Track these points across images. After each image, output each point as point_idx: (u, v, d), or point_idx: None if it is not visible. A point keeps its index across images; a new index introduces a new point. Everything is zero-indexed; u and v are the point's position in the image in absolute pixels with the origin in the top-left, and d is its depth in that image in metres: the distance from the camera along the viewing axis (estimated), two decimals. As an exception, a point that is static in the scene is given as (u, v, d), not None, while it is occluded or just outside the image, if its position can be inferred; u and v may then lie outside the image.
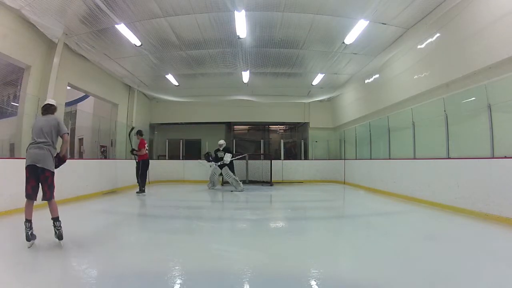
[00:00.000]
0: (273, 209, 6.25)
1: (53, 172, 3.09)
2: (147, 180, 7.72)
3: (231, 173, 8.24)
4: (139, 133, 7.67)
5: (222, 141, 8.81)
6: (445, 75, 5.59)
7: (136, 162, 7.34)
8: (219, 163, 8.27)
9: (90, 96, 10.24)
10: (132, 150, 7.43)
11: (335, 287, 2.12)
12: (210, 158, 8.72)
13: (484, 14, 4.54)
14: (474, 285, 2.06)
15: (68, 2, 5.24)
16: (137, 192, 7.29)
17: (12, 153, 7.46)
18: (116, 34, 6.47)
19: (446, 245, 3.10)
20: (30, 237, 2.85)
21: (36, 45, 6.17)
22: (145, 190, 7.37)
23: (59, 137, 3.17)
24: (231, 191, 8.13)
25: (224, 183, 9.84)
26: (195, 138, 13.03)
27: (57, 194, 5.73)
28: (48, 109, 3.24)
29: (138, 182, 7.34)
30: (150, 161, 10.80)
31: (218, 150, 8.63)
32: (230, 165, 8.39)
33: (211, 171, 8.67)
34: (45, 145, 3.00)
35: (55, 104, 3.34)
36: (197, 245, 3.18)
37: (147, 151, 7.54)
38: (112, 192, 7.64)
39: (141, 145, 7.39)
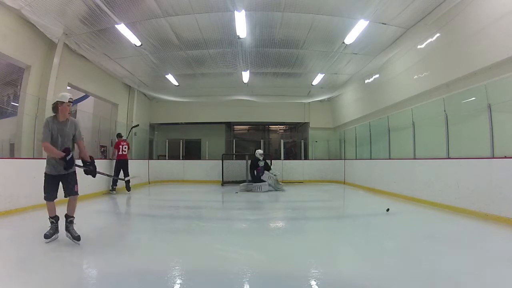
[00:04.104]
0: (273, 209, 6.25)
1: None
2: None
3: (273, 176, 8.45)
4: (118, 135, 8.09)
5: (261, 151, 9.03)
6: (445, 75, 5.59)
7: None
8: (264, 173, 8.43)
9: (90, 96, 10.25)
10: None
11: (335, 287, 2.12)
12: (257, 172, 8.66)
13: (484, 14, 4.54)
14: (474, 285, 2.06)
15: (68, 2, 5.24)
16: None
17: (12, 153, 7.47)
18: (116, 34, 6.47)
19: (446, 245, 3.10)
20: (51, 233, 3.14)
21: (36, 45, 6.18)
22: (115, 189, 7.53)
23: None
24: (237, 191, 8.12)
25: (225, 183, 9.85)
26: (195, 138, 13.04)
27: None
28: (52, 108, 3.18)
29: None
30: (151, 161, 10.94)
31: (258, 160, 8.78)
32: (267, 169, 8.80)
33: (258, 185, 8.39)
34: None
35: (71, 98, 3.19)
36: (197, 245, 3.18)
37: (124, 152, 7.82)
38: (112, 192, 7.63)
39: (115, 146, 7.82)
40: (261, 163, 8.79)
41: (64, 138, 3.12)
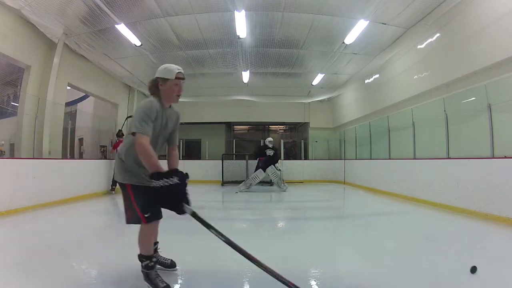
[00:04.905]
0: (273, 209, 6.25)
1: (126, 186, 1.93)
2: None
3: (278, 173, 8.00)
4: (118, 134, 7.91)
5: (271, 138, 8.66)
6: (445, 75, 5.59)
7: None
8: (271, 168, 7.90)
9: (90, 96, 10.25)
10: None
11: (335, 287, 2.12)
12: (260, 163, 8.24)
13: (484, 14, 4.54)
14: (474, 285, 2.06)
15: (68, 2, 5.24)
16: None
17: (12, 153, 7.47)
18: (116, 34, 6.46)
19: (446, 245, 3.10)
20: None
21: (36, 45, 6.18)
22: (114, 190, 7.40)
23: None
24: (237, 191, 8.06)
25: (225, 183, 9.84)
26: (195, 138, 13.04)
27: (57, 194, 5.76)
28: (149, 87, 1.98)
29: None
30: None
31: (266, 148, 8.36)
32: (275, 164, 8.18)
33: (254, 174, 8.12)
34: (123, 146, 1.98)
35: (181, 73, 1.93)
36: (197, 245, 3.18)
37: None
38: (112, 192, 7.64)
39: (114, 145, 7.71)
40: (270, 152, 8.24)
41: (165, 138, 2.02)
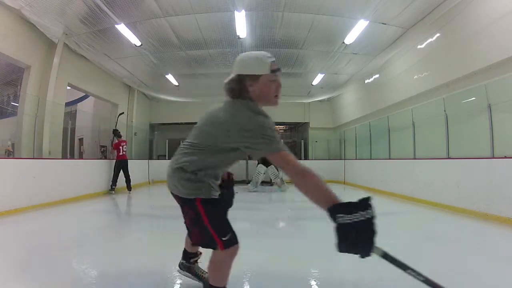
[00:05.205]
0: (273, 209, 6.25)
1: (192, 200, 1.44)
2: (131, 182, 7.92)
3: (278, 173, 7.98)
4: (115, 133, 7.86)
5: None
6: (445, 75, 5.59)
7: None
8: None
9: (90, 96, 10.25)
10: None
11: (335, 287, 2.12)
12: (259, 160, 8.09)
13: (484, 14, 4.54)
14: (474, 285, 2.06)
15: (68, 2, 5.24)
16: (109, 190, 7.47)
17: (12, 153, 7.48)
18: (116, 34, 6.47)
19: (446, 245, 3.10)
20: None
21: (36, 45, 6.18)
22: (114, 190, 7.40)
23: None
24: (248, 190, 8.03)
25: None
26: (195, 138, 13.02)
27: (57, 194, 5.74)
28: (229, 89, 1.38)
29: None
30: (151, 161, 10.77)
31: None
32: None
33: (256, 171, 8.15)
34: (183, 153, 1.52)
35: (275, 63, 1.38)
36: (197, 245, 3.18)
37: (124, 152, 7.66)
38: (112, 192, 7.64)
39: (114, 146, 7.67)
40: None
41: None
